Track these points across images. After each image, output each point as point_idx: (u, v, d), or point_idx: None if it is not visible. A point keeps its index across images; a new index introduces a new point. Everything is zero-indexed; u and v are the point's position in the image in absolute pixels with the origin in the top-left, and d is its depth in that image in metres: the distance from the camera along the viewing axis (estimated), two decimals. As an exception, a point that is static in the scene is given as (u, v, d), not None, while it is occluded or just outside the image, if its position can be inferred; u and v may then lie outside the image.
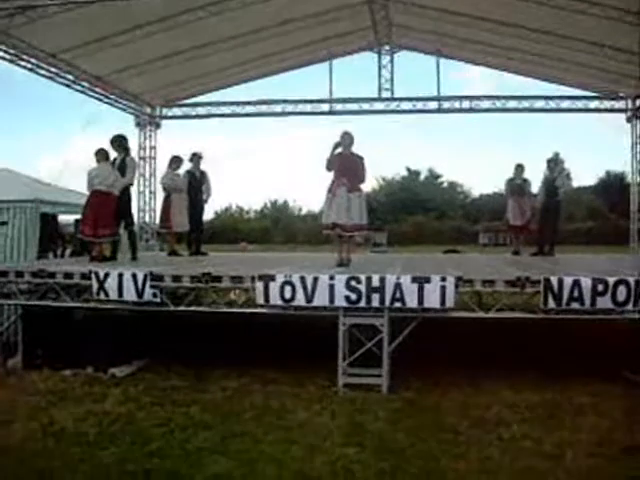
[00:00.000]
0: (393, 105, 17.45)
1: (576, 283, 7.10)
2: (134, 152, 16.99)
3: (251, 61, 16.15)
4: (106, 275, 8.03)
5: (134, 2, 10.62)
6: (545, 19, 12.50)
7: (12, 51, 12.21)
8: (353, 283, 7.34)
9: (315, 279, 7.43)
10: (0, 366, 8.56)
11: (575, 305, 7.12)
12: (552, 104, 17.11)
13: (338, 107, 17.51)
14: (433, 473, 5.01)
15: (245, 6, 12.33)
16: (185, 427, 6.08)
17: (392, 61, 17.05)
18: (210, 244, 19.81)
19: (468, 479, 4.92)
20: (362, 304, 7.35)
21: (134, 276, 7.94)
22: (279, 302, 7.53)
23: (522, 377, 7.58)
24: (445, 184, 60.48)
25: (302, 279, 7.45)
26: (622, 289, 7.04)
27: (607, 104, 17.13)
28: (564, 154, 16.53)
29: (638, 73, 13.54)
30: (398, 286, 7.27)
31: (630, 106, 16.78)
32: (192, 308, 8.13)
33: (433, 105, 17.25)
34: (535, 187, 13.45)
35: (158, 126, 18.38)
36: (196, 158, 13.16)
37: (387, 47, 16.98)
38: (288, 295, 7.47)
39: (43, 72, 13.38)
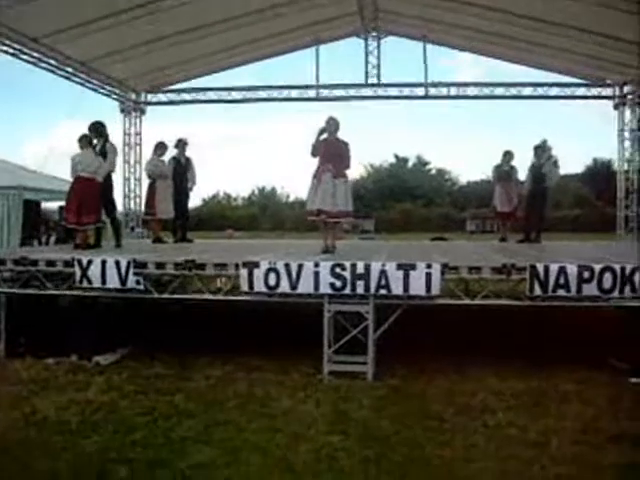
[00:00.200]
0: (380, 91, 17.35)
1: (562, 270, 7.08)
2: (119, 139, 17.04)
3: (237, 47, 15.98)
4: (89, 262, 7.94)
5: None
6: (533, 4, 12.41)
7: (-7, 36, 12.03)
8: (338, 270, 7.29)
9: (300, 266, 7.38)
10: (-18, 355, 8.48)
11: (561, 292, 7.11)
12: (540, 91, 17.07)
13: (325, 93, 17.36)
14: (418, 461, 4.99)
15: (231, -9, 12.22)
16: (169, 416, 6.03)
17: (379, 47, 16.95)
18: (198, 231, 19.76)
19: (453, 467, 4.89)
20: (347, 291, 7.30)
21: (117, 263, 7.86)
22: (263, 289, 7.47)
23: (508, 364, 7.56)
24: (433, 171, 60.25)
25: (286, 266, 7.40)
26: (608, 276, 7.03)
27: (594, 91, 17.11)
28: (551, 141, 16.62)
29: (627, 60, 13.58)
30: (383, 273, 7.22)
31: (617, 93, 16.78)
32: (175, 296, 8.06)
33: (420, 91, 17.15)
34: (522, 174, 13.46)
35: (143, 112, 18.22)
36: (181, 144, 13.07)
37: (374, 33, 16.85)
38: (272, 282, 7.41)
39: (25, 57, 13.18)
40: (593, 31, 12.92)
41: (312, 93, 17.44)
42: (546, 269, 7.12)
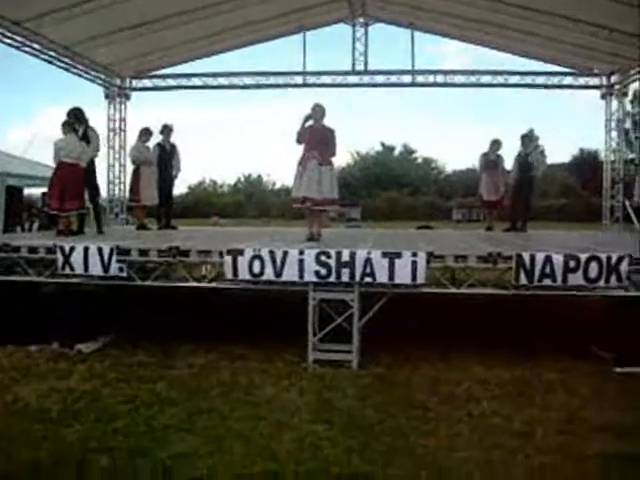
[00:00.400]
0: (367, 78, 17.22)
1: (548, 259, 7.05)
2: (103, 125, 16.87)
3: (223, 32, 15.80)
4: (71, 249, 7.84)
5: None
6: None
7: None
8: (323, 258, 7.23)
9: (284, 253, 7.31)
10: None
11: (547, 281, 7.08)
12: (527, 80, 16.99)
13: (311, 80, 17.22)
14: (402, 450, 4.95)
15: (217, -25, 12.08)
16: (151, 404, 5.96)
17: (366, 34, 16.79)
18: (183, 219, 19.66)
19: (437, 456, 4.85)
20: (332, 279, 7.25)
21: (100, 250, 7.76)
22: (248, 277, 7.40)
23: (493, 353, 7.55)
24: (419, 160, 60.55)
25: (271, 253, 7.33)
26: (594, 265, 7.00)
27: (582, 81, 17.08)
28: (538, 131, 16.61)
29: (614, 49, 13.57)
30: (368, 261, 7.17)
31: (605, 83, 16.75)
32: (159, 283, 7.98)
33: (407, 79, 17.01)
34: (509, 163, 13.46)
35: (128, 98, 18.00)
36: (167, 130, 13.00)
37: (361, 19, 16.71)
38: (257, 270, 7.34)
39: (8, 41, 12.97)
40: (581, 20, 12.89)
41: (299, 80, 17.27)
42: (532, 258, 7.08)
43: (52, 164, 10.52)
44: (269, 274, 7.34)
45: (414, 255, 7.16)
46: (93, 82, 16.87)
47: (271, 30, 16.64)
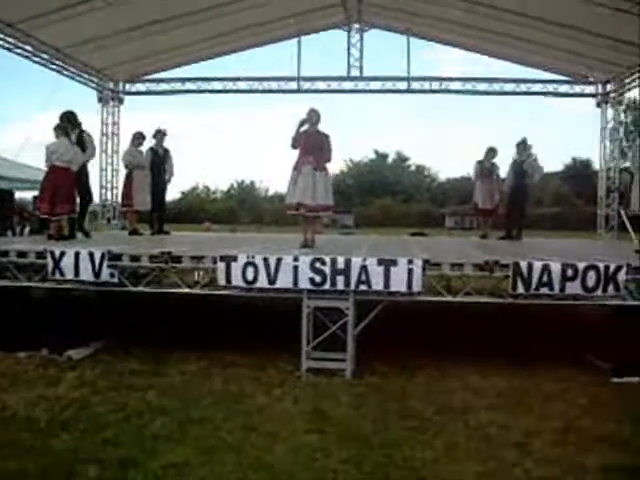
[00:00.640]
0: (362, 84, 17.23)
1: (546, 268, 6.97)
2: (97, 128, 16.78)
3: (217, 36, 15.79)
4: (62, 254, 7.73)
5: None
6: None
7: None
8: (318, 265, 7.14)
9: (278, 260, 7.21)
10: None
11: (544, 290, 7.00)
12: (523, 87, 17.03)
13: (306, 85, 17.20)
14: (398, 461, 4.84)
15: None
16: (141, 413, 5.83)
17: (362, 39, 16.80)
18: (176, 224, 19.55)
19: (434, 468, 4.75)
20: (327, 286, 7.14)
21: (91, 255, 7.65)
22: (241, 283, 7.29)
23: (489, 362, 7.46)
24: (412, 167, 60.86)
25: (265, 260, 7.22)
26: (592, 274, 6.93)
27: (577, 88, 17.14)
28: (531, 140, 16.50)
29: (610, 57, 13.57)
30: (364, 268, 7.07)
31: (600, 91, 16.77)
32: (150, 289, 7.86)
33: (402, 85, 17.03)
34: (503, 171, 13.41)
35: (121, 101, 17.98)
36: (160, 135, 12.89)
37: (357, 25, 16.72)
38: (250, 276, 7.24)
39: (0, 42, 12.90)
40: (577, 27, 12.89)
41: (293, 85, 17.28)
42: (529, 267, 7.00)
43: (44, 168, 10.40)
44: (263, 281, 7.24)
45: (410, 262, 7.07)
46: (86, 85, 16.79)
47: (269, 34, 16.64)
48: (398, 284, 7.07)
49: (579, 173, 46.55)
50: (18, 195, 17.77)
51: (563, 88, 17.13)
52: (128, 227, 13.64)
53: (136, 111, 18.96)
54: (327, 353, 7.20)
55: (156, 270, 7.88)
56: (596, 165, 18.32)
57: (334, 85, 17.34)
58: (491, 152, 13.46)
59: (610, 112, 16.82)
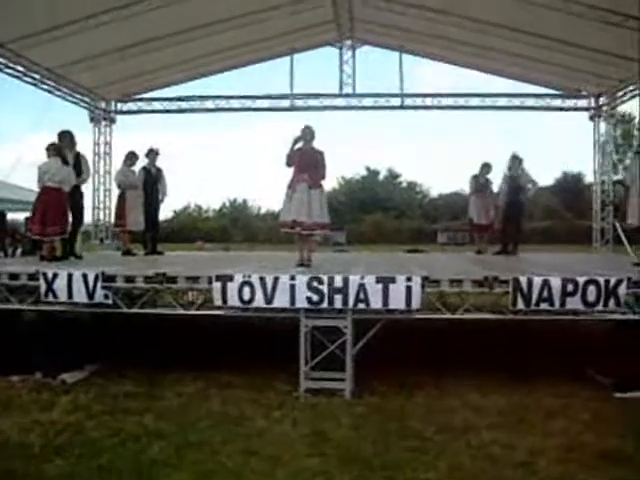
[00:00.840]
0: (354, 101, 17.23)
1: (546, 283, 6.90)
2: (89, 148, 16.73)
3: (210, 55, 15.79)
4: (55, 275, 7.62)
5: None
6: (510, 15, 12.46)
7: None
8: (315, 284, 7.05)
9: (275, 279, 7.12)
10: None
11: (544, 305, 6.92)
12: (516, 102, 17.07)
13: (299, 103, 17.19)
14: (401, 484, 4.75)
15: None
16: (138, 437, 5.71)
17: (354, 56, 16.84)
18: (168, 243, 19.44)
19: (438, 491, 4.67)
20: (324, 305, 7.05)
21: (85, 277, 7.54)
22: (237, 303, 7.20)
23: (489, 379, 7.38)
24: (404, 184, 61.03)
25: (261, 279, 7.13)
26: (592, 289, 6.86)
27: (570, 102, 17.17)
28: (523, 153, 16.50)
29: (602, 71, 13.61)
30: (362, 287, 6.99)
31: (593, 104, 16.82)
32: (145, 310, 7.75)
33: (395, 102, 17.06)
34: (495, 185, 13.38)
35: (113, 121, 17.94)
36: (152, 154, 12.81)
37: (349, 42, 16.75)
38: (247, 296, 7.14)
39: (-9, 63, 12.87)
40: (569, 42, 12.92)
41: (286, 103, 17.26)
42: (529, 282, 6.93)
43: (36, 188, 10.31)
44: (259, 300, 7.14)
45: (409, 280, 6.99)
46: (78, 105, 16.73)
47: (261, 52, 16.64)
48: (397, 302, 6.98)
49: (570, 187, 46.70)
50: (10, 216, 17.73)
51: (556, 102, 17.19)
52: (121, 247, 13.53)
53: (128, 131, 18.89)
54: (326, 373, 7.10)
55: (151, 291, 7.78)
56: (588, 179, 18.36)
57: (327, 102, 17.35)
58: (486, 167, 13.47)
59: (603, 125, 16.87)
